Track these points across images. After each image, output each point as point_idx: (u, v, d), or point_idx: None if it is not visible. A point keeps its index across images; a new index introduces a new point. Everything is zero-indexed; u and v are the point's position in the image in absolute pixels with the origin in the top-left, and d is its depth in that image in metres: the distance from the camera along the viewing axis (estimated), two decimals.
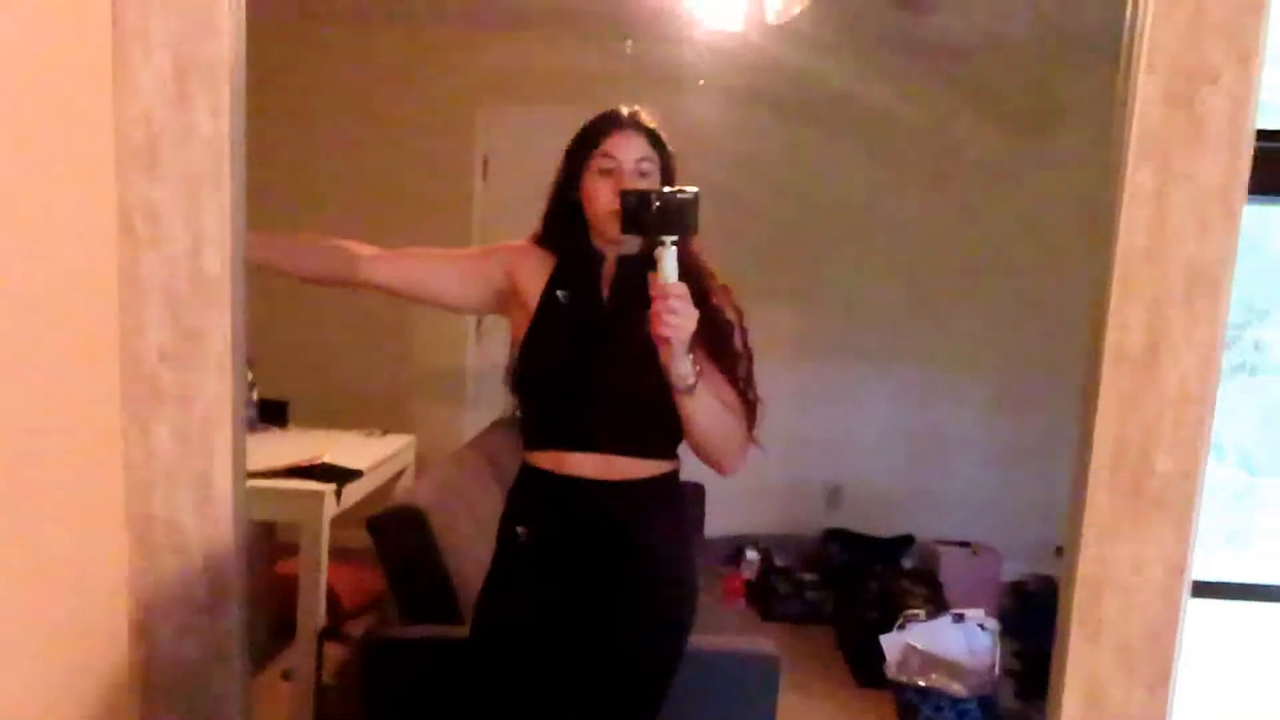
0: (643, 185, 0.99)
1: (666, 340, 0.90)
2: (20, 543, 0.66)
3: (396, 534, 1.40)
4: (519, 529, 1.06)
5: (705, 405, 0.97)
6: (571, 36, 2.30)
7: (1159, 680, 0.68)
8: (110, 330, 0.72)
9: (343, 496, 1.72)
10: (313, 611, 1.65)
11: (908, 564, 2.55)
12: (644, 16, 1.84)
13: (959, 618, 1.85)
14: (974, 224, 2.40)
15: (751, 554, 2.68)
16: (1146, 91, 0.63)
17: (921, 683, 1.81)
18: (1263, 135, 0.63)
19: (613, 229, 0.98)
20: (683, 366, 0.93)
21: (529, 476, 1.08)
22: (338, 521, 1.70)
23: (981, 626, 1.86)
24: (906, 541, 2.64)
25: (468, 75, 2.37)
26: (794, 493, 2.69)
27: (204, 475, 0.73)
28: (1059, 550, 0.75)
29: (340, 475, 1.74)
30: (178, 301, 0.71)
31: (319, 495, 1.70)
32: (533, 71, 2.34)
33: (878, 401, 2.70)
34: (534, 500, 1.07)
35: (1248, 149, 0.62)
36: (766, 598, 2.46)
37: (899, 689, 1.83)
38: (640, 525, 1.04)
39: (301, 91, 2.28)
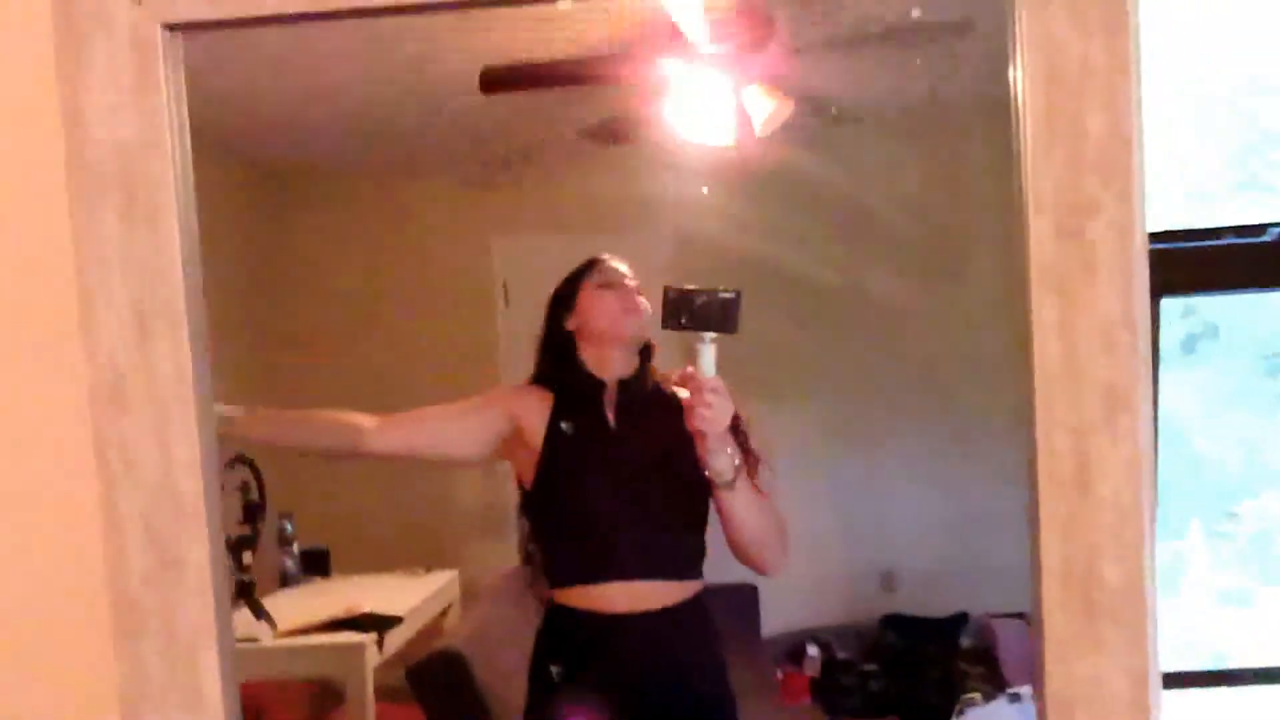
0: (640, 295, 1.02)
1: (703, 434, 0.92)
2: None
3: (436, 681, 1.42)
4: (552, 667, 1.06)
5: (746, 500, 0.97)
6: (574, 170, 2.39)
7: None
8: (96, 558, 0.76)
9: (386, 643, 1.74)
10: None
11: (965, 642, 2.48)
12: (638, 145, 1.92)
13: (1015, 697, 1.80)
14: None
15: (813, 650, 2.61)
16: (1038, 228, 0.65)
17: None
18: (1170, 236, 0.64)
19: (621, 333, 1.00)
20: (721, 460, 0.94)
21: (557, 615, 1.09)
22: (386, 666, 1.71)
23: None
24: (961, 619, 2.57)
25: (479, 210, 2.47)
26: (848, 581, 2.63)
27: (194, 690, 0.76)
28: None
29: (381, 624, 1.76)
30: (155, 528, 0.75)
31: (360, 647, 1.72)
32: (542, 202, 2.43)
33: (919, 480, 2.66)
34: (565, 638, 1.07)
35: (1142, 270, 0.63)
36: (830, 694, 2.39)
37: None
38: (675, 652, 1.04)
39: (317, 244, 2.40)
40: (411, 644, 1.81)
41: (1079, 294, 0.64)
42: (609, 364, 1.06)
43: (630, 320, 1.04)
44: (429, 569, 2.14)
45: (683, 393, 0.96)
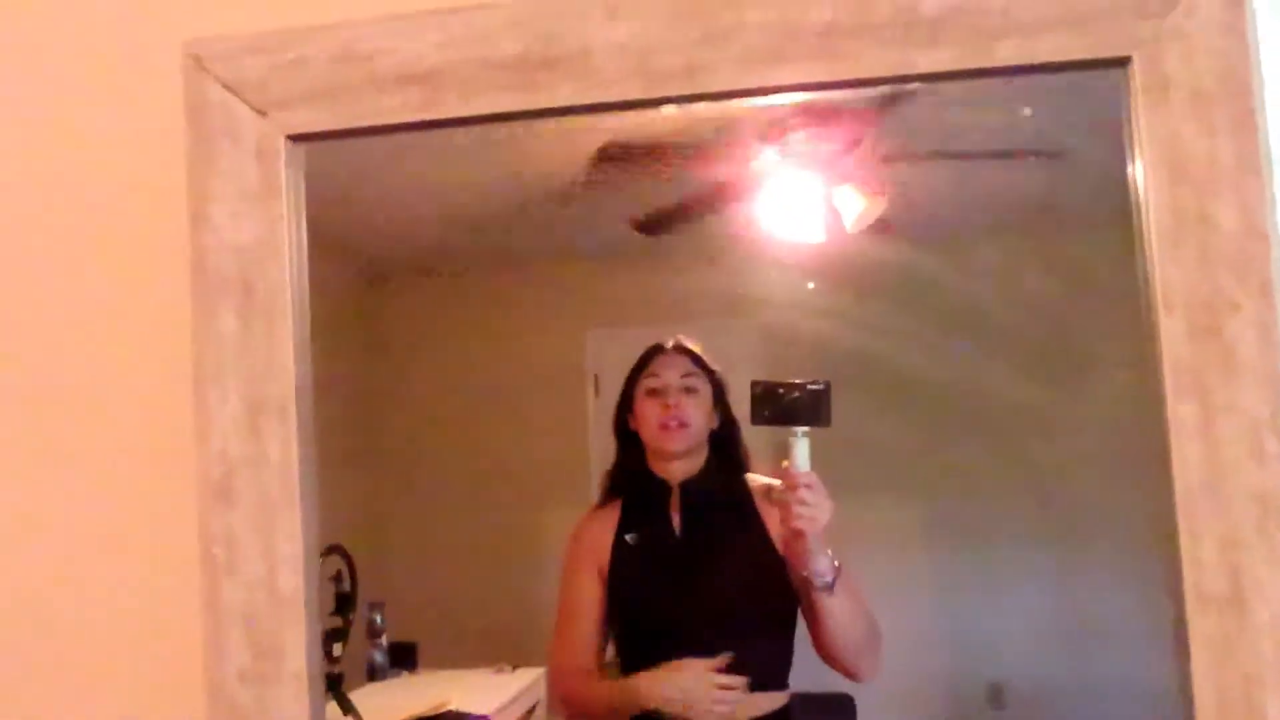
0: (690, 403, 1.01)
1: (801, 534, 0.88)
2: None
3: None
4: None
5: (844, 604, 0.93)
6: (665, 265, 2.42)
7: None
8: (194, 655, 0.77)
9: None
10: None
11: None
12: (729, 239, 1.93)
13: None
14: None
15: None
16: (1169, 328, 0.61)
17: None
18: None
19: (668, 443, 0.99)
20: (820, 562, 0.91)
21: None
22: None
23: None
24: None
25: (573, 301, 2.51)
26: (952, 694, 2.47)
27: None
28: None
29: None
30: (254, 624, 0.75)
31: None
32: (634, 296, 2.45)
33: (1032, 589, 2.51)
34: None
35: None
36: None
37: None
38: None
39: (410, 335, 2.46)
40: None
41: (1219, 396, 0.60)
42: (671, 466, 1.04)
43: (667, 437, 1.03)
44: (515, 666, 2.11)
45: (768, 486, 0.93)
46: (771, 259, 1.75)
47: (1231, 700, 0.60)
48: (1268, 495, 0.59)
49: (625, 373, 1.21)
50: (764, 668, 1.00)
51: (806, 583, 0.92)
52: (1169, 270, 0.61)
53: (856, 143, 1.53)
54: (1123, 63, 0.64)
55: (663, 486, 1.07)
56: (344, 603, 1.53)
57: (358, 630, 1.75)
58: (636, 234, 1.79)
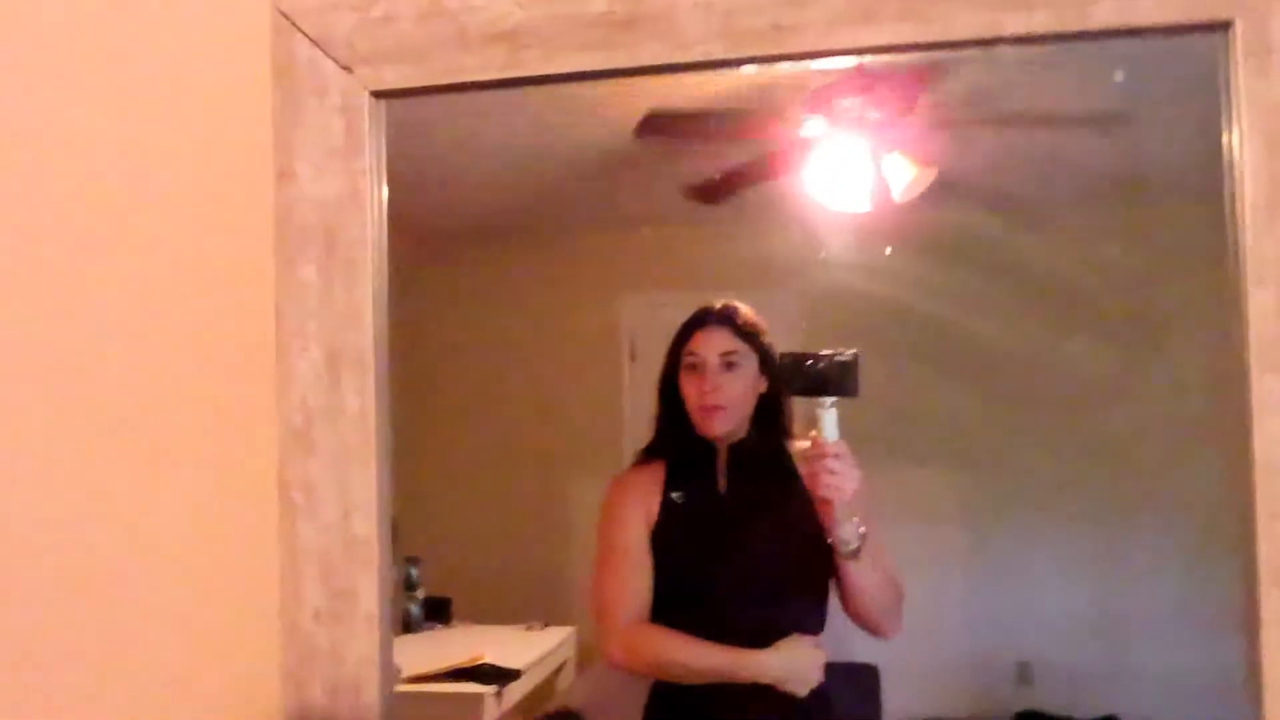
0: (729, 380, 1.01)
1: (828, 502, 0.90)
2: None
3: None
4: None
5: (868, 569, 0.95)
6: (705, 230, 2.42)
7: None
8: (271, 595, 0.79)
9: (504, 697, 1.74)
10: None
11: None
12: (774, 205, 1.92)
13: None
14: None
15: None
16: (1259, 302, 0.61)
17: None
18: None
19: (705, 426, 1.00)
20: (846, 530, 0.93)
21: (670, 686, 1.07)
22: (500, 718, 1.71)
23: None
24: None
25: (610, 266, 2.52)
26: (978, 670, 2.49)
27: None
28: None
29: (501, 676, 1.77)
30: (329, 567, 0.78)
31: (479, 698, 1.72)
32: (670, 261, 2.46)
33: (1069, 569, 2.50)
34: (675, 706, 1.05)
35: None
36: None
37: None
38: None
39: (452, 300, 2.48)
40: (526, 700, 1.81)
41: None
42: (717, 429, 1.05)
43: (706, 420, 1.03)
44: (545, 625, 2.15)
45: (802, 451, 0.94)
46: (822, 226, 1.75)
47: None
48: None
49: (667, 334, 1.21)
50: (802, 625, 1.02)
51: (832, 548, 0.93)
52: (1264, 242, 0.60)
53: (910, 108, 1.51)
54: (1224, 26, 0.62)
55: (710, 448, 1.08)
56: None
57: (395, 585, 1.79)
58: (688, 201, 1.78)
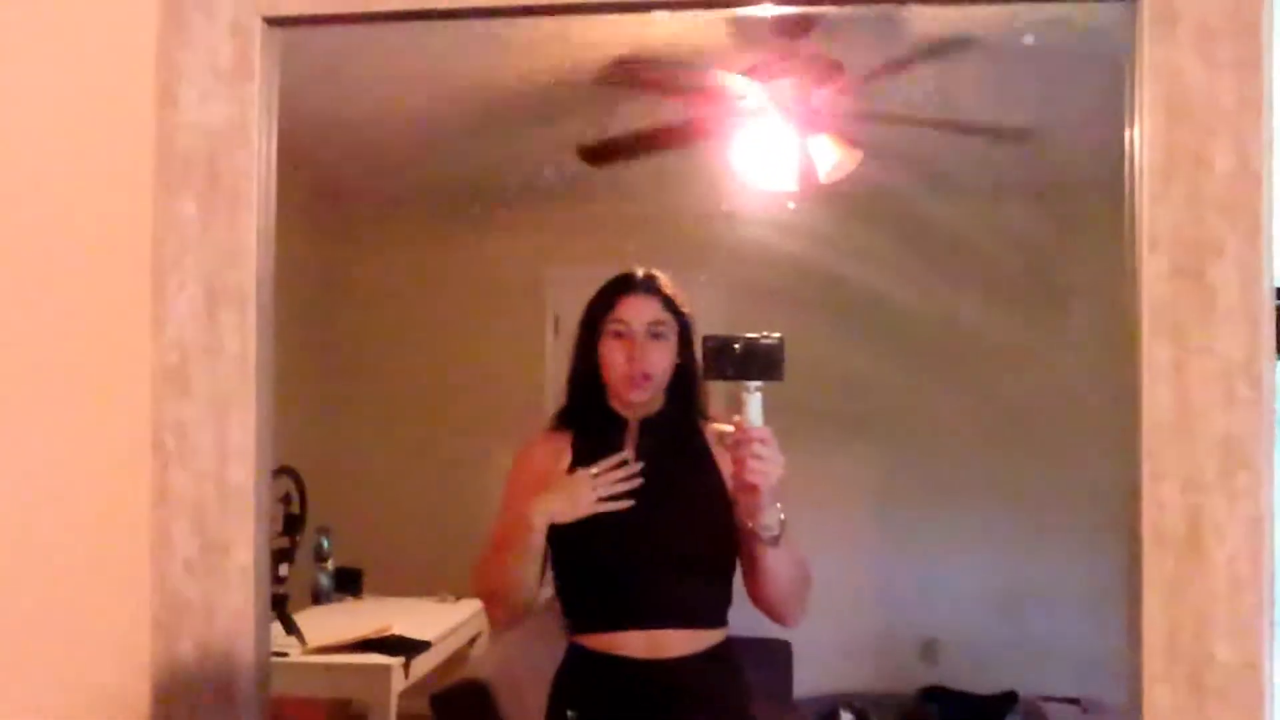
0: (656, 350, 1.00)
1: (754, 488, 0.88)
2: None
3: (460, 710, 1.38)
4: (569, 713, 1.03)
5: (783, 555, 0.94)
6: (629, 204, 2.39)
7: None
8: (141, 544, 0.75)
9: (412, 668, 1.70)
10: None
11: None
12: (698, 183, 1.90)
13: None
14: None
15: (847, 716, 2.50)
16: (1152, 266, 0.61)
17: None
18: None
19: (628, 393, 0.98)
20: (769, 516, 0.91)
21: (576, 658, 1.05)
22: (410, 692, 1.68)
23: None
24: (1010, 699, 2.45)
25: (532, 241, 2.47)
26: (886, 647, 2.53)
27: (226, 685, 0.73)
28: None
29: (409, 647, 1.73)
30: (203, 516, 0.73)
31: (386, 670, 1.68)
32: (594, 236, 2.42)
33: (972, 546, 2.56)
34: (583, 682, 1.04)
35: (1269, 315, 0.59)
36: None
37: None
38: (697, 702, 1.00)
39: (369, 266, 2.41)
40: (437, 671, 1.78)
41: (1196, 338, 0.60)
42: (628, 402, 1.03)
43: (631, 388, 1.01)
44: (459, 597, 2.11)
45: (721, 433, 0.93)
46: (742, 199, 1.73)
47: (1181, 642, 0.60)
48: (1233, 439, 0.59)
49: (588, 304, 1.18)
50: (705, 606, 1.01)
51: (751, 534, 0.92)
52: (1158, 208, 0.60)
53: (832, 79, 1.50)
54: None
55: (621, 422, 1.06)
56: (292, 524, 1.51)
57: (304, 554, 1.74)
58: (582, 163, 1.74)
